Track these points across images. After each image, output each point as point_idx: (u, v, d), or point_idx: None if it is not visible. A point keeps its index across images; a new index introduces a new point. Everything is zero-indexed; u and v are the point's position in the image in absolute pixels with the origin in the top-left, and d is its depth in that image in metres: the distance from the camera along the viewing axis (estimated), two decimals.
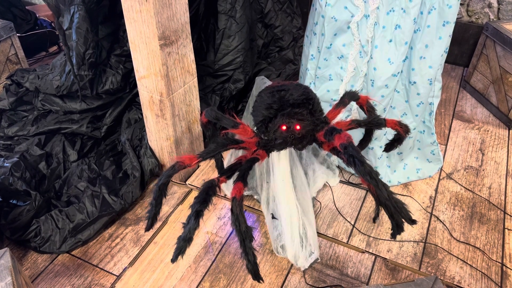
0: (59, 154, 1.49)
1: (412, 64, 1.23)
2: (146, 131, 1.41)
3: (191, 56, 1.30)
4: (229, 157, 1.42)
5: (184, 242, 0.87)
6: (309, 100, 1.04)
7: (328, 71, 1.35)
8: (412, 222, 0.88)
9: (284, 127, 1.01)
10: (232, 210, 0.89)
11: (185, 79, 1.31)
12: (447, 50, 1.24)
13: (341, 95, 1.36)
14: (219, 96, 1.63)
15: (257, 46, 1.78)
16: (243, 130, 1.04)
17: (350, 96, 1.10)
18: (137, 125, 1.54)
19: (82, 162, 1.47)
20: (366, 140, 1.22)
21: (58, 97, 1.56)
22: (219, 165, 1.28)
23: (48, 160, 1.46)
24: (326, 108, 1.43)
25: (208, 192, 0.89)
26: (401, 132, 1.07)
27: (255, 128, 1.08)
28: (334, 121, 1.08)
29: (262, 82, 1.43)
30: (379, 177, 0.85)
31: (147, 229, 1.03)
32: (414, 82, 1.25)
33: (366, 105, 1.12)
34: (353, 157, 0.86)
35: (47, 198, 1.32)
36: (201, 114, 1.11)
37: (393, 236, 0.91)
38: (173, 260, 0.89)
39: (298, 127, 1.01)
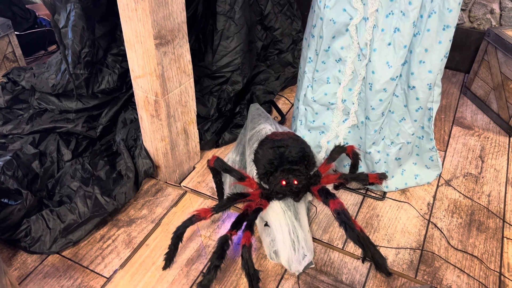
0: (53, 153, 1.47)
1: (412, 68, 1.21)
2: (141, 131, 1.39)
3: (188, 57, 1.28)
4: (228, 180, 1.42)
5: None
6: (305, 157, 1.24)
7: (326, 74, 1.33)
8: (388, 274, 1.15)
9: (284, 182, 1.18)
10: (242, 255, 1.04)
11: (181, 80, 1.29)
12: (447, 55, 1.22)
13: (339, 98, 1.35)
14: (216, 98, 1.61)
15: (256, 48, 1.77)
16: (249, 183, 1.23)
17: (338, 151, 1.27)
18: (133, 125, 1.53)
19: (76, 161, 1.46)
20: (353, 166, 1.35)
21: (54, 96, 1.55)
22: (219, 189, 1.36)
23: (42, 159, 1.44)
24: (323, 111, 1.42)
25: (223, 248, 1.05)
26: (380, 183, 1.23)
27: (257, 177, 1.26)
28: (325, 173, 1.26)
29: (257, 113, 1.52)
30: (366, 240, 1.06)
31: (164, 268, 1.21)
32: (413, 87, 1.23)
33: (351, 153, 1.29)
34: (345, 223, 1.04)
35: (39, 197, 1.30)
36: (210, 160, 1.25)
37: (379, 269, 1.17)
38: None
39: (295, 182, 1.18)
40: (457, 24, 2.02)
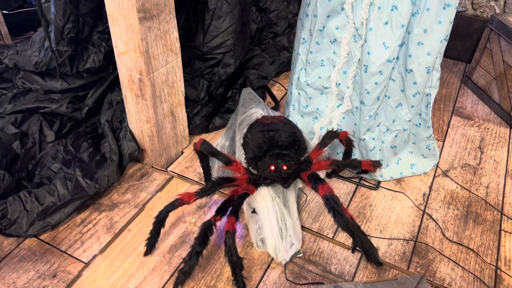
0: (35, 134, 1.41)
1: (409, 50, 1.15)
2: (126, 112, 1.34)
3: (175, 34, 1.22)
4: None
5: (184, 276, 1.00)
6: (296, 141, 1.19)
7: (320, 56, 1.27)
8: (379, 264, 1.11)
9: (272, 167, 1.13)
10: (225, 242, 0.99)
11: (168, 58, 1.23)
12: (447, 38, 1.16)
13: (333, 82, 1.29)
14: (207, 81, 1.55)
15: (250, 30, 1.70)
16: (236, 168, 1.18)
17: (330, 137, 1.21)
18: (119, 106, 1.47)
19: (58, 143, 1.40)
20: (346, 154, 1.30)
21: (38, 75, 1.49)
22: (206, 174, 1.31)
23: (23, 140, 1.39)
24: (316, 96, 1.36)
25: (206, 233, 1.00)
26: (373, 171, 1.20)
27: (245, 162, 1.20)
28: (316, 159, 1.20)
29: (249, 97, 1.46)
30: (356, 228, 1.01)
31: (145, 254, 1.15)
32: (411, 70, 1.17)
33: (344, 140, 1.23)
34: (334, 209, 1.00)
35: (17, 178, 1.25)
36: (196, 143, 1.20)
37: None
38: None
39: (285, 167, 1.13)
40: (460, 12, 1.96)
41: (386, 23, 1.10)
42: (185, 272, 1.01)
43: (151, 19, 1.11)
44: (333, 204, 0.99)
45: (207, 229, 1.02)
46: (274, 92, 1.81)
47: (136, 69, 1.18)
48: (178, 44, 1.24)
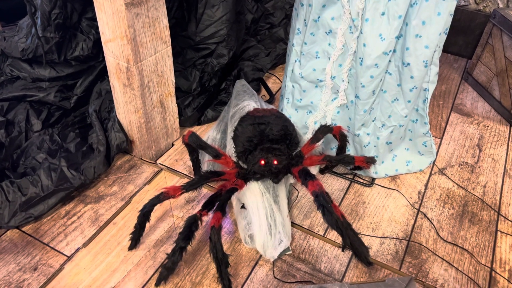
0: (22, 123, 1.38)
1: (407, 43, 1.10)
2: (114, 102, 1.30)
3: (165, 22, 1.18)
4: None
5: (167, 271, 0.98)
6: (287, 135, 1.16)
7: (315, 47, 1.23)
8: (369, 264, 1.07)
9: (262, 162, 1.10)
10: (210, 238, 0.96)
11: (157, 47, 1.19)
12: (447, 31, 1.12)
13: (328, 75, 1.25)
14: (200, 72, 1.50)
15: (246, 21, 1.65)
16: (225, 161, 1.14)
17: (324, 131, 1.18)
18: (108, 96, 1.43)
19: (45, 132, 1.36)
20: (340, 149, 1.28)
21: (26, 62, 1.45)
22: (196, 167, 1.28)
23: (9, 128, 1.35)
24: (311, 89, 1.31)
25: (191, 229, 0.97)
26: (367, 167, 1.20)
27: (235, 156, 1.17)
28: (308, 154, 1.17)
29: (242, 89, 1.43)
30: (346, 226, 0.99)
31: (130, 249, 1.12)
32: (408, 64, 1.13)
33: (338, 135, 1.20)
34: (323, 206, 0.96)
35: (1, 168, 1.21)
36: (185, 135, 1.17)
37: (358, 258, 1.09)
38: (157, 285, 1.02)
39: (275, 162, 1.10)
40: (462, 6, 1.91)
41: (383, 13, 1.06)
42: (168, 268, 0.98)
43: (139, 5, 1.07)
44: (322, 201, 0.96)
45: (191, 224, 0.98)
46: (270, 85, 1.77)
47: (123, 57, 1.14)
48: (167, 32, 1.20)
